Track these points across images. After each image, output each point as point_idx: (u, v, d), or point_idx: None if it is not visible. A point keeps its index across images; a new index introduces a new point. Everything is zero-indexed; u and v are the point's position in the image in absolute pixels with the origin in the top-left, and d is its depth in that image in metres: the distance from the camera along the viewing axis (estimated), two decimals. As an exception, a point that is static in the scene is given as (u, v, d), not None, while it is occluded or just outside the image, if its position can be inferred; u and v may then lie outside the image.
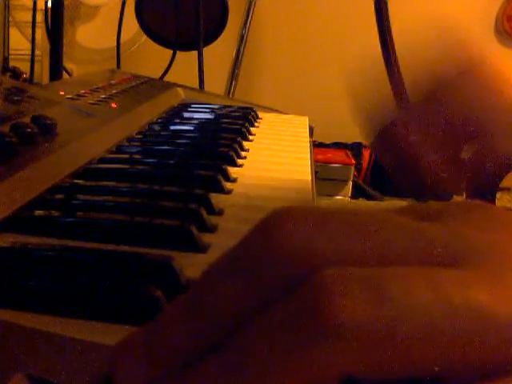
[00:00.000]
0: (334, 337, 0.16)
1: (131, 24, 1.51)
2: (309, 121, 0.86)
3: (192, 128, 0.71)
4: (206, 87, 1.36)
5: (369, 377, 0.17)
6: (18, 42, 1.97)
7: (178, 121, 0.75)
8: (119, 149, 0.57)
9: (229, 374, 0.18)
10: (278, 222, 0.19)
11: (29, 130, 0.47)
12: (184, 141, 0.64)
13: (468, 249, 0.19)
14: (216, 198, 0.43)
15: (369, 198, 1.83)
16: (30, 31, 1.55)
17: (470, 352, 0.17)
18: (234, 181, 0.51)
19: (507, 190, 2.94)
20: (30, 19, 1.54)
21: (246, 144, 0.65)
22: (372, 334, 0.16)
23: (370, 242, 0.19)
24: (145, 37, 1.58)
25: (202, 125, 0.73)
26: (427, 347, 0.17)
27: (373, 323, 0.16)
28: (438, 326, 0.17)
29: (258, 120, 0.82)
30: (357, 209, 0.20)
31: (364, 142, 2.97)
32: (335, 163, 1.72)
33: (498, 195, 2.85)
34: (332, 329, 0.16)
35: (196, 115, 0.79)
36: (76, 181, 0.45)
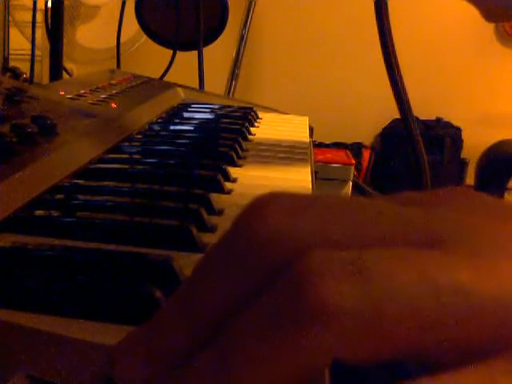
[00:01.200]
0: (319, 320, 0.16)
1: (131, 24, 1.51)
2: (309, 121, 0.86)
3: (192, 128, 0.71)
4: (206, 87, 1.36)
5: (356, 360, 0.17)
6: (18, 42, 1.97)
7: (178, 121, 0.75)
8: (119, 149, 0.57)
9: (222, 366, 0.18)
10: (259, 209, 0.19)
11: (29, 129, 0.47)
12: (184, 141, 0.64)
13: (448, 229, 0.19)
14: (216, 198, 0.43)
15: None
16: (30, 31, 1.55)
17: (455, 332, 0.17)
18: (233, 181, 0.51)
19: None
20: (30, 19, 1.54)
21: (246, 144, 0.65)
22: (357, 317, 0.16)
23: (353, 224, 0.19)
24: (145, 37, 1.58)
25: (202, 125, 0.73)
26: (413, 328, 0.17)
27: (358, 305, 0.16)
28: (423, 307, 0.17)
29: (257, 120, 0.82)
30: (338, 195, 0.20)
31: (364, 142, 2.98)
32: (335, 163, 1.71)
33: (504, 195, 2.85)
34: (316, 312, 0.16)
35: (196, 115, 0.79)
36: (76, 181, 0.45)
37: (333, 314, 0.16)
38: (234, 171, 0.53)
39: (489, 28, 2.74)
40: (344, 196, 0.20)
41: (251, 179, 0.52)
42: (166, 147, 0.60)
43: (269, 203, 0.19)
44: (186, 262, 0.31)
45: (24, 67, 1.63)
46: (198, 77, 1.40)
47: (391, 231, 0.19)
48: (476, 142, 2.56)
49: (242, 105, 0.91)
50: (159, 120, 0.74)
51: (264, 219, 0.19)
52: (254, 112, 0.84)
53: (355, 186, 1.76)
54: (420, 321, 0.16)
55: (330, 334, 0.16)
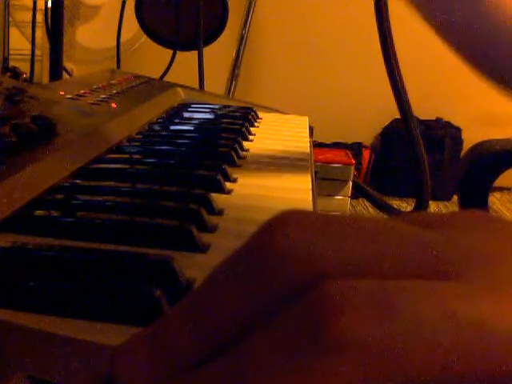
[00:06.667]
0: (338, 352, 0.16)
1: (131, 24, 1.52)
2: (309, 121, 0.86)
3: (192, 128, 0.71)
4: (206, 87, 1.36)
5: None
6: (18, 42, 1.97)
7: (178, 121, 0.75)
8: (119, 149, 0.57)
9: (232, 379, 0.18)
10: (280, 227, 0.19)
11: (29, 130, 0.47)
12: (184, 141, 0.64)
13: (466, 258, 0.19)
14: (216, 198, 0.43)
15: (369, 198, 1.84)
16: (30, 31, 1.56)
17: (474, 367, 0.17)
18: (233, 181, 0.51)
19: (507, 189, 2.94)
20: (30, 19, 1.54)
21: (246, 144, 0.65)
22: (378, 351, 0.16)
23: (372, 248, 0.19)
24: (145, 37, 1.59)
25: (202, 125, 0.73)
26: (432, 363, 0.17)
27: (379, 340, 0.16)
28: (444, 343, 0.17)
29: (258, 120, 0.82)
30: (358, 214, 0.20)
31: (364, 142, 2.97)
32: (335, 163, 1.72)
33: (498, 195, 2.85)
34: (337, 344, 0.16)
35: (196, 115, 0.79)
36: (76, 181, 0.45)
37: (352, 346, 0.16)
38: (234, 171, 0.53)
39: (489, 28, 2.74)
40: (363, 215, 0.20)
41: (251, 179, 0.52)
42: (165, 147, 0.60)
43: (289, 221, 0.19)
44: (185, 262, 0.31)
45: (24, 67, 1.63)
46: (198, 77, 1.40)
47: (411, 257, 0.19)
48: (476, 142, 2.56)
49: (242, 105, 0.91)
50: (159, 120, 0.74)
51: (284, 237, 0.19)
52: (254, 112, 0.84)
53: (355, 186, 1.76)
54: (439, 356, 0.17)
55: (347, 364, 0.16)
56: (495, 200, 2.80)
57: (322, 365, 0.17)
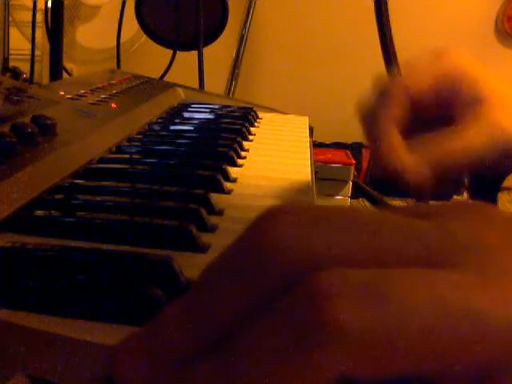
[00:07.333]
0: (333, 341, 0.17)
1: (131, 24, 1.51)
2: (309, 121, 0.86)
3: (192, 128, 0.71)
4: (206, 87, 1.36)
5: (365, 377, 0.17)
6: (18, 42, 1.97)
7: (178, 121, 0.75)
8: (119, 149, 0.57)
9: (228, 374, 0.18)
10: (272, 220, 0.19)
11: (29, 129, 0.47)
12: (184, 141, 0.64)
13: (462, 248, 0.19)
14: (216, 198, 0.43)
15: (369, 198, 1.83)
16: (30, 31, 1.55)
17: (466, 355, 0.17)
18: (233, 181, 0.51)
19: (507, 189, 2.95)
20: (30, 19, 1.54)
21: (246, 144, 0.65)
22: (371, 339, 0.17)
23: (366, 239, 0.19)
24: (145, 37, 1.59)
25: (202, 125, 0.73)
26: (425, 351, 0.17)
27: (372, 329, 0.17)
28: (437, 331, 0.17)
29: (257, 120, 0.82)
30: (351, 207, 0.20)
31: (364, 142, 2.97)
32: (335, 163, 1.71)
33: (498, 195, 2.85)
34: (331, 334, 0.17)
35: (196, 115, 0.79)
36: (76, 181, 0.45)
37: (346, 335, 0.16)
38: (234, 171, 0.53)
39: (489, 28, 2.74)
40: (357, 207, 0.20)
41: (251, 179, 0.52)
42: (165, 147, 0.60)
43: (281, 214, 0.19)
44: (185, 262, 0.31)
45: (24, 67, 1.63)
46: (198, 77, 1.40)
47: (405, 248, 0.19)
48: (476, 141, 2.56)
49: (242, 105, 0.91)
50: (159, 120, 0.74)
51: (276, 230, 0.19)
52: (254, 112, 0.84)
53: (355, 186, 1.75)
54: (432, 344, 0.17)
55: (342, 353, 0.17)
56: (495, 200, 2.80)
57: (313, 357, 0.17)
